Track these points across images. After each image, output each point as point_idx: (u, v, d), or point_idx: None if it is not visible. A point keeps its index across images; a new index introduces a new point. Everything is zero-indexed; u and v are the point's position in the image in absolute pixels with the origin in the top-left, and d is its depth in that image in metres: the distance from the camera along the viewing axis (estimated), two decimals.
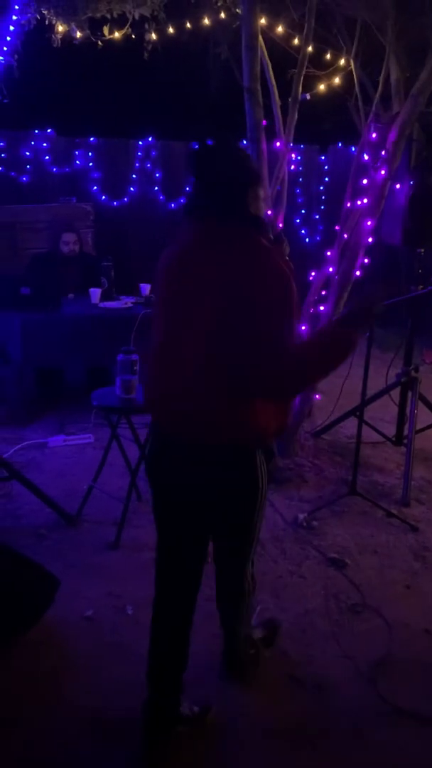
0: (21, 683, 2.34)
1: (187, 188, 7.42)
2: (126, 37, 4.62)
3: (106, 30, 4.55)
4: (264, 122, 3.69)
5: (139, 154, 7.30)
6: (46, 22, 4.57)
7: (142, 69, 5.09)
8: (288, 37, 4.08)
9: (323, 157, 7.93)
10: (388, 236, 4.13)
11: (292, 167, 4.85)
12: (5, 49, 4.53)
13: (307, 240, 7.69)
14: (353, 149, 7.14)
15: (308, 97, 4.00)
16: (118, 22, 4.52)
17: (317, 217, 7.86)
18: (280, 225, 3.88)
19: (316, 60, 4.12)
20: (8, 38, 4.50)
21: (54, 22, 4.53)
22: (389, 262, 4.23)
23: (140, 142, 7.29)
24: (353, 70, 4.00)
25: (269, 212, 3.75)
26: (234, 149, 2.01)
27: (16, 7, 4.39)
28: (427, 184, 3.88)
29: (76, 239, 5.12)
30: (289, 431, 3.91)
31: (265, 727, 2.19)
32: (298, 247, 7.15)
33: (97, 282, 4.91)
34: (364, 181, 3.90)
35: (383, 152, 3.81)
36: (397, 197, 3.99)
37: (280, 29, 4.03)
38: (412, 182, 3.89)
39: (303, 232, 7.70)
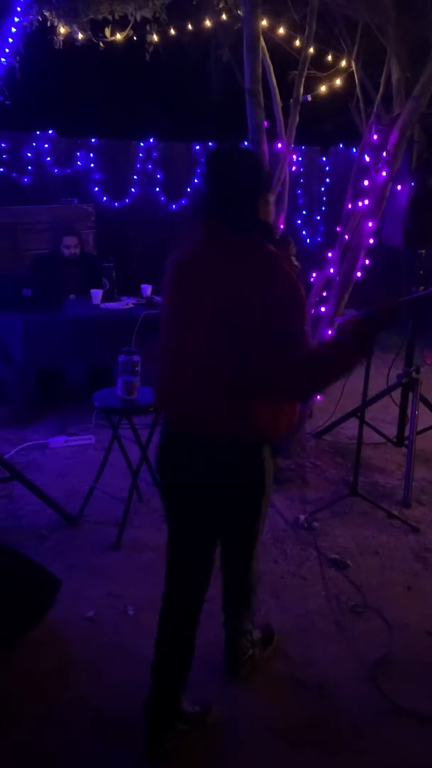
0: (22, 683, 2.35)
1: (188, 189, 7.44)
2: (127, 39, 4.63)
3: (107, 32, 4.56)
4: (265, 123, 3.70)
5: (141, 155, 7.31)
6: (48, 24, 4.57)
7: (144, 70, 5.10)
8: (289, 38, 4.09)
9: (324, 159, 7.93)
10: (389, 238, 4.13)
11: (293, 168, 4.86)
12: (7, 50, 4.53)
13: (308, 241, 7.70)
14: (354, 150, 7.15)
15: (309, 98, 4.01)
16: (120, 24, 4.52)
17: (318, 218, 7.87)
18: (281, 226, 3.89)
19: (318, 61, 4.13)
20: (10, 40, 4.50)
21: (56, 23, 4.54)
22: (390, 263, 4.24)
23: (141, 144, 7.30)
24: (354, 71, 4.00)
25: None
26: (248, 154, 2.04)
27: (18, 9, 4.39)
28: (428, 186, 3.89)
29: (77, 242, 5.12)
30: (290, 434, 3.91)
31: (266, 727, 2.20)
32: (299, 248, 7.16)
33: (98, 283, 4.91)
34: (365, 183, 3.91)
35: (384, 154, 3.82)
36: (398, 199, 3.99)
37: (281, 31, 4.04)
38: (413, 184, 3.90)
39: (304, 233, 7.71)
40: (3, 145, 6.74)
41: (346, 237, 3.99)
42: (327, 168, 7.91)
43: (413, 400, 4.11)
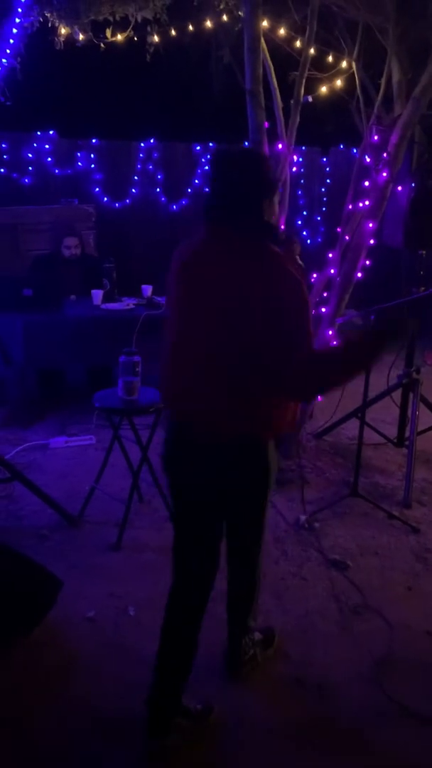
0: (23, 683, 2.35)
1: (188, 190, 7.44)
2: (128, 40, 4.63)
3: (108, 32, 4.56)
4: (266, 124, 3.70)
5: (141, 155, 7.31)
6: (49, 25, 4.58)
7: (145, 71, 5.10)
8: (290, 39, 4.09)
9: (325, 159, 7.94)
10: (389, 238, 4.14)
11: (294, 169, 4.84)
12: (8, 51, 4.54)
13: (308, 242, 7.70)
14: (355, 151, 7.16)
15: (310, 99, 4.01)
16: (121, 25, 4.53)
17: (319, 218, 7.87)
18: (282, 227, 3.89)
19: (318, 62, 4.14)
20: (11, 41, 4.50)
21: (57, 24, 4.55)
22: (390, 264, 4.24)
23: (142, 144, 7.30)
24: (355, 72, 4.01)
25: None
26: (254, 156, 2.06)
27: (20, 9, 4.40)
28: (428, 187, 3.89)
29: (78, 243, 5.13)
30: (291, 432, 3.91)
31: (266, 727, 2.20)
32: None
33: (98, 283, 4.92)
34: (366, 183, 3.91)
35: (385, 154, 3.82)
36: (398, 199, 4.00)
37: (282, 32, 4.04)
38: (413, 184, 3.90)
39: (305, 233, 7.71)
40: (4, 145, 6.74)
41: (347, 237, 4.00)
42: (327, 169, 7.92)
43: (414, 400, 4.11)
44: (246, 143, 3.87)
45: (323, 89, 4.17)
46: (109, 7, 4.33)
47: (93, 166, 7.11)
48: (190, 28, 4.58)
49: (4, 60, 4.54)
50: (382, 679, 2.40)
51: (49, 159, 6.91)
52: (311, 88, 4.06)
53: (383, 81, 3.87)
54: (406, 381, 4.16)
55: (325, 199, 7.88)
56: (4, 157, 6.75)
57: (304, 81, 3.81)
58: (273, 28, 4.01)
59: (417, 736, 2.20)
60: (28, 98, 5.16)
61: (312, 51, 3.82)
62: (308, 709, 2.30)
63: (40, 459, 4.12)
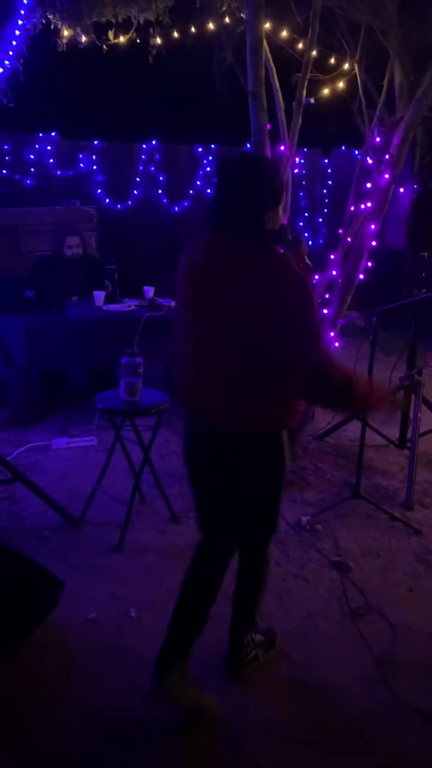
0: (24, 684, 2.35)
1: (190, 191, 7.45)
2: (131, 42, 4.64)
3: (111, 34, 4.57)
4: (268, 126, 3.70)
5: (143, 157, 7.32)
6: (52, 27, 4.59)
7: (147, 73, 5.11)
8: (292, 41, 4.10)
9: (326, 161, 7.94)
10: (391, 240, 4.14)
11: (296, 170, 4.84)
12: (11, 53, 4.55)
13: (310, 243, 7.70)
14: (356, 152, 7.17)
15: (312, 101, 4.01)
16: (123, 27, 4.54)
17: (320, 220, 7.88)
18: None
19: (321, 64, 4.14)
20: (14, 43, 4.52)
21: (59, 26, 4.56)
22: (392, 265, 4.24)
23: (144, 146, 7.31)
24: (357, 74, 4.01)
25: None
26: (261, 167, 2.07)
27: (22, 12, 4.41)
28: (430, 188, 3.90)
29: (80, 242, 5.13)
30: (292, 434, 3.92)
31: (267, 728, 2.20)
32: None
33: (100, 285, 4.92)
34: (368, 185, 3.91)
35: (387, 156, 3.82)
36: (400, 201, 4.00)
37: (284, 33, 4.05)
38: (415, 186, 3.91)
39: (306, 235, 7.71)
40: (6, 147, 6.76)
41: (349, 239, 4.00)
42: (329, 170, 7.92)
43: (415, 402, 4.11)
44: (248, 145, 3.88)
45: (325, 91, 4.18)
46: (111, 9, 4.34)
47: (95, 167, 7.12)
48: (193, 30, 4.59)
49: (6, 62, 4.55)
50: (384, 680, 2.40)
51: (51, 160, 6.92)
52: (313, 89, 4.06)
53: (385, 83, 3.87)
54: (408, 383, 4.15)
55: (326, 200, 7.89)
56: (7, 158, 6.77)
57: (306, 83, 3.81)
58: (275, 30, 4.01)
59: (419, 736, 2.20)
60: (31, 100, 5.17)
61: (314, 53, 3.83)
62: (309, 709, 2.30)
63: (42, 460, 4.13)
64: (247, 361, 1.97)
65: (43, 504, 3.38)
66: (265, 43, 3.67)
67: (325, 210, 7.88)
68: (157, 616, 2.65)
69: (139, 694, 2.28)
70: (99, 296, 4.85)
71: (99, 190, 7.16)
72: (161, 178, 7.38)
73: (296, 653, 2.54)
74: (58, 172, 6.97)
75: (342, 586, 2.96)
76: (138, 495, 3.47)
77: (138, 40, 4.65)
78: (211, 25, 4.48)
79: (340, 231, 4.07)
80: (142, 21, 4.44)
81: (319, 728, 2.21)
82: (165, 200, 7.42)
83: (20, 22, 4.45)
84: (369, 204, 3.89)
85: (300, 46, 4.04)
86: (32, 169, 6.86)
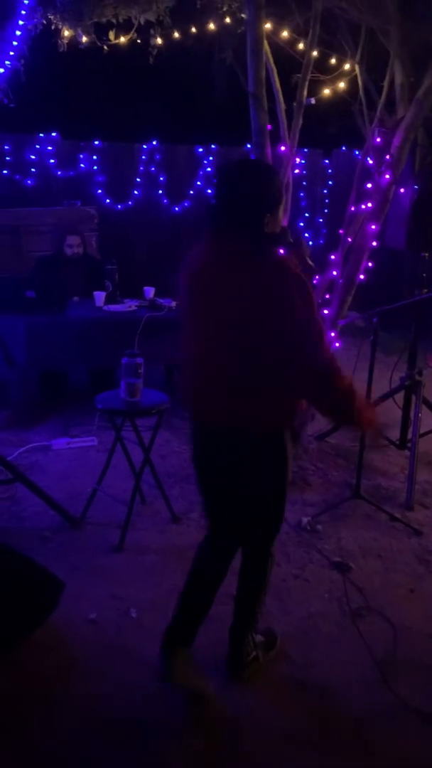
0: (25, 684, 2.35)
1: (190, 192, 7.45)
2: (131, 42, 4.65)
3: (111, 35, 4.58)
4: (269, 127, 3.70)
5: (144, 157, 7.33)
6: (53, 27, 4.60)
7: (147, 73, 5.12)
8: (293, 41, 4.10)
9: (327, 161, 7.95)
10: (392, 240, 4.14)
11: (296, 171, 4.82)
12: (12, 53, 4.56)
13: (310, 243, 7.71)
14: (357, 153, 7.18)
15: (313, 101, 4.01)
16: (124, 27, 4.54)
17: (321, 220, 7.88)
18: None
19: (321, 65, 4.14)
20: (15, 43, 4.52)
21: (60, 27, 4.56)
22: (393, 266, 4.24)
23: (144, 146, 7.32)
24: (358, 74, 4.01)
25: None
26: (259, 173, 2.11)
27: (23, 12, 4.42)
28: (431, 189, 3.89)
29: (80, 241, 5.13)
30: (295, 435, 3.92)
31: (267, 728, 2.20)
32: None
33: (101, 285, 4.92)
34: (369, 185, 3.91)
35: (387, 157, 3.82)
36: (401, 201, 4.00)
37: (285, 34, 4.05)
38: (416, 186, 3.91)
39: (306, 235, 7.72)
40: (6, 147, 6.76)
41: (349, 239, 4.00)
42: (330, 171, 7.93)
43: (416, 402, 4.11)
44: (248, 145, 3.88)
45: (326, 91, 4.18)
46: (112, 9, 4.35)
47: (95, 168, 7.13)
48: (193, 30, 4.59)
49: (7, 62, 4.56)
50: (384, 680, 2.40)
51: (52, 161, 6.92)
52: (314, 90, 4.06)
53: (386, 83, 3.87)
54: (408, 383, 4.16)
55: (327, 200, 7.89)
56: (7, 158, 6.77)
57: (306, 83, 3.82)
58: (276, 31, 4.01)
59: (420, 736, 2.20)
60: (31, 100, 5.18)
61: (315, 53, 3.83)
62: (310, 710, 2.30)
63: (43, 460, 4.13)
64: (247, 361, 2.01)
65: (44, 504, 3.38)
66: (265, 43, 3.67)
67: (326, 210, 7.88)
68: (157, 616, 2.65)
69: (140, 694, 2.29)
70: (99, 297, 4.85)
71: (99, 191, 7.17)
72: (162, 179, 7.38)
73: (296, 653, 2.54)
74: (59, 173, 6.98)
75: (342, 586, 2.96)
76: (138, 495, 3.47)
77: (139, 41, 4.65)
78: (211, 26, 4.48)
79: (341, 231, 4.07)
80: (142, 21, 4.44)
81: (319, 728, 2.21)
82: (165, 200, 7.43)
83: (21, 23, 4.45)
84: (370, 204, 3.89)
85: (301, 46, 4.04)
86: (33, 170, 6.86)
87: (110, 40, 4.61)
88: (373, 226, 3.89)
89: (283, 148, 3.90)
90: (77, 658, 2.48)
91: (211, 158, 7.48)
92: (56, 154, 6.95)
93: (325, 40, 4.03)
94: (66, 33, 4.59)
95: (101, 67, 5.29)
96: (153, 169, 7.36)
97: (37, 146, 6.86)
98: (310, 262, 2.17)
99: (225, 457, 2.19)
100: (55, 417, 4.76)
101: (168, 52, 4.75)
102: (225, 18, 4.36)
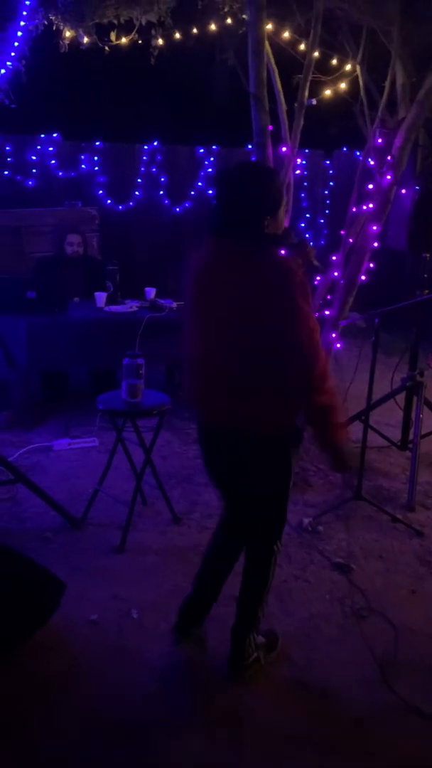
0: (26, 685, 2.35)
1: (191, 192, 7.45)
2: (133, 43, 4.65)
3: (113, 35, 4.58)
4: (270, 127, 3.70)
5: (145, 158, 7.33)
6: (54, 28, 4.60)
7: (149, 74, 5.11)
8: (294, 42, 4.10)
9: (328, 162, 7.95)
10: (393, 241, 4.14)
11: (297, 172, 4.81)
12: (13, 54, 4.56)
13: (311, 244, 7.70)
14: (358, 154, 7.18)
15: (314, 102, 4.01)
16: (125, 28, 4.55)
17: (322, 221, 7.88)
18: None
19: (322, 65, 4.14)
20: (16, 44, 4.53)
21: (61, 27, 4.56)
22: (394, 266, 4.24)
23: (146, 147, 7.32)
24: (359, 75, 4.01)
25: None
26: (259, 174, 2.14)
27: (24, 13, 4.42)
28: None
29: (81, 241, 5.14)
30: (298, 436, 3.92)
31: (268, 729, 2.19)
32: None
33: (102, 286, 4.92)
34: (370, 186, 3.91)
35: (389, 157, 3.82)
36: (402, 202, 4.00)
37: (286, 35, 4.05)
38: (417, 187, 3.90)
39: (307, 236, 7.72)
40: (8, 148, 6.76)
41: (351, 240, 4.00)
42: (331, 171, 7.93)
43: (417, 403, 4.10)
44: (249, 146, 3.88)
45: (327, 92, 4.17)
46: (113, 10, 4.35)
47: (96, 168, 7.13)
48: (195, 31, 4.60)
49: (8, 63, 4.56)
50: (385, 681, 2.40)
51: (53, 161, 6.93)
52: (315, 91, 4.06)
53: (387, 84, 3.87)
54: (409, 384, 4.15)
55: (328, 201, 7.90)
56: (8, 159, 6.77)
57: (308, 84, 3.81)
58: (277, 32, 4.01)
59: (421, 737, 2.19)
60: (33, 101, 5.18)
61: (316, 54, 3.83)
62: (311, 710, 2.29)
63: (44, 461, 4.13)
64: (247, 361, 2.03)
65: (45, 505, 3.38)
66: (267, 44, 3.67)
67: (327, 211, 7.88)
68: (158, 617, 2.66)
69: (140, 694, 2.29)
70: (100, 297, 4.85)
71: (100, 191, 7.17)
72: (162, 179, 7.39)
73: (298, 654, 2.53)
74: (60, 173, 6.98)
75: (344, 587, 2.95)
76: (139, 496, 3.47)
77: (140, 41, 4.66)
78: (212, 27, 4.48)
79: (342, 232, 4.07)
80: (144, 22, 4.44)
81: (320, 729, 2.21)
82: (166, 201, 7.43)
83: (22, 23, 4.46)
84: (371, 205, 3.89)
85: (302, 47, 4.03)
86: (34, 170, 6.87)
87: (111, 41, 4.62)
88: (375, 227, 3.89)
89: (284, 148, 3.89)
90: (78, 658, 2.48)
91: (212, 159, 7.49)
92: (57, 154, 6.96)
93: (326, 41, 4.03)
94: (67, 34, 4.60)
95: (102, 68, 5.29)
96: (154, 169, 7.37)
97: (38, 147, 6.87)
98: (315, 263, 2.18)
99: (227, 456, 2.22)
100: (56, 418, 4.76)
101: (169, 53, 4.75)
102: (226, 19, 4.36)
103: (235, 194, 2.06)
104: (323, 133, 6.48)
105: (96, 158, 7.12)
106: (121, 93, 7.51)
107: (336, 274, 4.01)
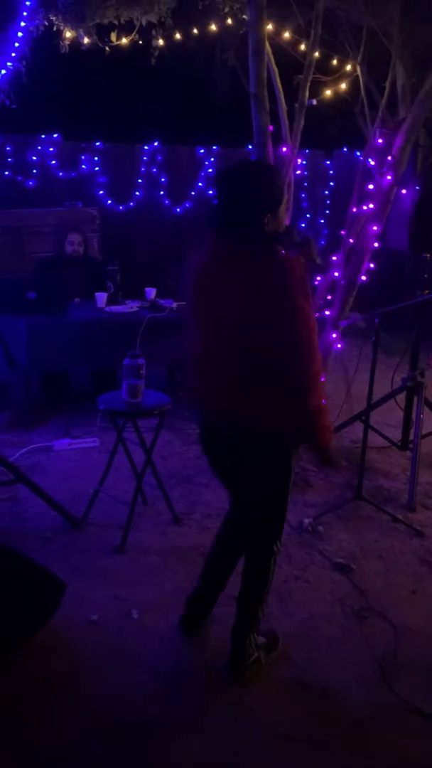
0: (27, 686, 2.35)
1: (192, 193, 7.45)
2: (133, 43, 4.66)
3: (113, 36, 4.59)
4: (270, 127, 3.70)
5: (145, 158, 7.33)
6: (54, 29, 4.60)
7: (149, 74, 5.12)
8: (294, 42, 4.11)
9: (328, 162, 7.95)
10: (393, 241, 4.14)
11: (298, 172, 4.83)
12: (14, 54, 4.56)
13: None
14: (358, 154, 7.18)
15: (315, 102, 4.02)
16: (126, 28, 4.55)
17: (322, 221, 7.88)
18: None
19: (323, 65, 4.15)
20: (17, 44, 4.53)
21: (62, 28, 4.57)
22: (395, 267, 4.24)
23: (146, 147, 7.32)
24: (359, 75, 4.01)
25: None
26: (259, 172, 2.14)
27: (25, 13, 4.42)
28: None
29: (81, 240, 5.13)
30: (300, 437, 3.92)
31: (268, 729, 2.19)
32: None
33: (103, 286, 4.92)
34: (370, 186, 3.92)
35: (389, 158, 3.82)
36: (402, 202, 4.00)
37: (286, 35, 4.06)
38: (417, 187, 3.91)
39: (309, 234, 7.72)
40: (8, 148, 6.76)
41: (351, 240, 4.00)
42: (331, 171, 7.93)
43: (418, 403, 4.10)
44: (250, 146, 3.88)
45: (327, 92, 4.18)
46: (114, 10, 4.36)
47: (97, 169, 7.13)
48: (195, 31, 4.60)
49: (9, 63, 4.56)
50: (386, 681, 2.40)
51: (54, 162, 6.93)
52: (315, 91, 4.07)
53: (387, 84, 3.87)
54: (410, 384, 4.15)
55: (328, 201, 7.90)
56: (9, 160, 6.78)
57: (308, 84, 3.82)
58: (278, 32, 4.02)
59: (421, 737, 2.19)
60: (33, 101, 5.18)
61: (316, 54, 3.83)
62: (311, 710, 2.29)
63: (44, 461, 4.13)
64: (248, 361, 2.04)
65: (45, 505, 3.38)
66: (267, 44, 3.67)
67: (327, 211, 7.88)
68: (159, 617, 2.66)
69: (140, 694, 2.29)
70: (101, 298, 4.85)
71: (101, 192, 7.17)
72: (163, 180, 7.39)
73: (298, 655, 2.53)
74: (60, 174, 6.98)
75: (344, 587, 2.95)
76: (140, 496, 3.47)
77: (140, 42, 4.66)
78: (213, 27, 4.49)
79: (342, 232, 4.07)
80: (144, 23, 4.45)
81: (320, 729, 2.21)
82: (167, 201, 7.43)
83: (23, 24, 4.46)
84: (371, 205, 3.90)
85: (302, 47, 4.04)
86: (34, 171, 6.87)
87: (112, 42, 4.62)
88: (375, 227, 3.89)
89: (284, 149, 3.90)
90: (78, 659, 2.48)
91: (212, 159, 7.49)
92: (58, 155, 6.96)
93: (326, 41, 4.04)
94: (68, 34, 4.60)
95: (103, 69, 5.29)
96: (154, 170, 7.37)
97: (39, 147, 6.87)
98: (318, 261, 2.19)
99: (227, 456, 2.25)
100: (56, 418, 4.76)
101: (169, 53, 4.76)
102: (226, 19, 4.37)
103: (235, 194, 2.06)
104: (324, 133, 6.48)
105: (96, 158, 7.12)
106: (121, 93, 7.52)
107: (336, 274, 4.02)
